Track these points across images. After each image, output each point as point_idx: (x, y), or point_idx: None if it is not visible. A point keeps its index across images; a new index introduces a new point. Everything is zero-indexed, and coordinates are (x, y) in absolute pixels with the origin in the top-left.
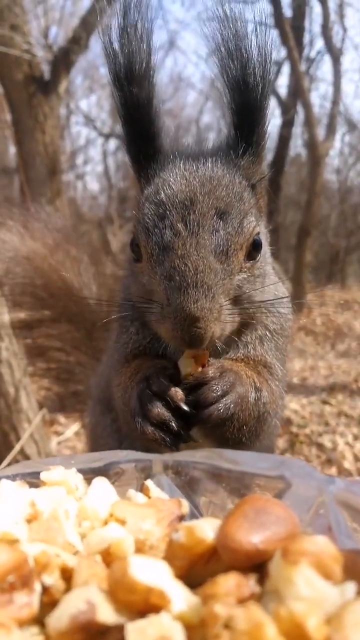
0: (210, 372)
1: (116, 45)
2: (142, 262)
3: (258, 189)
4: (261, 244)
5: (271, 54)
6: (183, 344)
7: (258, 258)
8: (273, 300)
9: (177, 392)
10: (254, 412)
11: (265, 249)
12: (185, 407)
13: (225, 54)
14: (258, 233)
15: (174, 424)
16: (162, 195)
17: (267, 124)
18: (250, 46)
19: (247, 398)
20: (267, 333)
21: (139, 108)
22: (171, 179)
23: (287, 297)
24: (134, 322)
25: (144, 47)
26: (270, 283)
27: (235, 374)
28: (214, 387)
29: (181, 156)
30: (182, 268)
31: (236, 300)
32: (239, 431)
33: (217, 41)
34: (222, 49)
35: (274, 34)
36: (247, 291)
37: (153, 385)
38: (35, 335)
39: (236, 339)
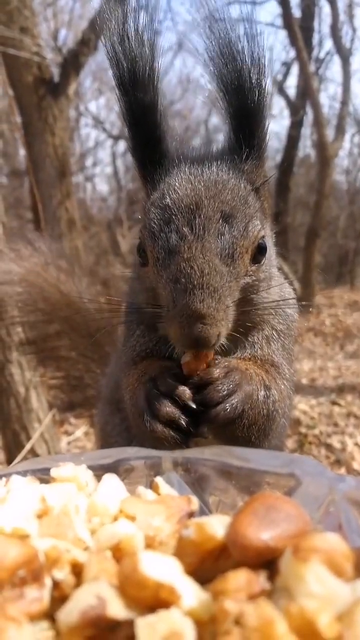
0: (215, 372)
1: (119, 50)
2: (149, 267)
3: (262, 192)
4: (266, 248)
5: (265, 57)
6: (189, 343)
7: (263, 261)
8: (278, 301)
9: (185, 391)
10: (263, 411)
11: (271, 252)
12: (193, 405)
13: (219, 59)
14: (263, 236)
15: (183, 422)
16: (168, 199)
17: (266, 127)
18: (244, 50)
19: (256, 396)
20: (274, 333)
21: (143, 112)
22: (176, 184)
23: (292, 298)
24: (140, 325)
25: (148, 51)
26: (276, 285)
27: (241, 373)
28: (220, 387)
29: (186, 160)
30: (188, 271)
31: (241, 303)
32: (249, 430)
33: (210, 46)
34: (216, 54)
35: (266, 36)
36: (252, 294)
37: (161, 386)
38: (41, 349)
39: (243, 339)
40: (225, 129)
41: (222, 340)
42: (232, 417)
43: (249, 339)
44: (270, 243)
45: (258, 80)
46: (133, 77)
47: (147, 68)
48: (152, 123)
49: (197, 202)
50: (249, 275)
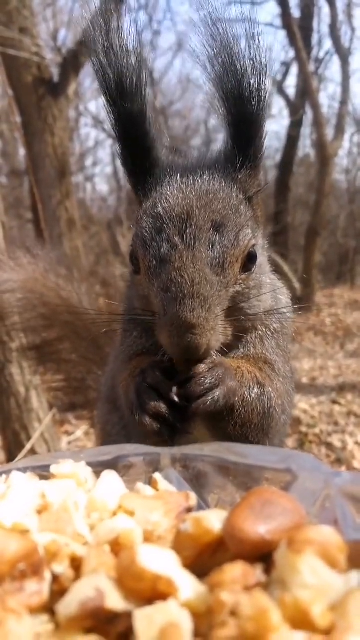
0: (200, 367)
1: (105, 63)
2: (141, 274)
3: (255, 201)
4: (256, 256)
5: (266, 66)
6: (179, 352)
7: (253, 269)
8: (269, 311)
9: (170, 385)
10: (257, 408)
11: (262, 260)
12: (176, 399)
13: (219, 66)
14: (254, 245)
15: (169, 416)
16: (159, 209)
17: (264, 136)
18: (245, 59)
19: (247, 394)
20: (268, 332)
21: (132, 123)
22: (168, 193)
23: (287, 304)
24: (137, 327)
25: (134, 62)
26: (267, 293)
27: (226, 369)
28: (201, 381)
29: (178, 169)
30: (179, 280)
31: (231, 312)
32: (243, 428)
33: (211, 52)
34: (216, 62)
35: (269, 45)
36: (243, 302)
37: (148, 378)
38: (43, 353)
39: (236, 341)
40: (224, 134)
41: (213, 349)
42: (213, 410)
43: (243, 339)
44: (261, 251)
45: (258, 89)
46: (120, 88)
47: (134, 78)
48: (141, 133)
49: (189, 212)
50: (239, 284)
